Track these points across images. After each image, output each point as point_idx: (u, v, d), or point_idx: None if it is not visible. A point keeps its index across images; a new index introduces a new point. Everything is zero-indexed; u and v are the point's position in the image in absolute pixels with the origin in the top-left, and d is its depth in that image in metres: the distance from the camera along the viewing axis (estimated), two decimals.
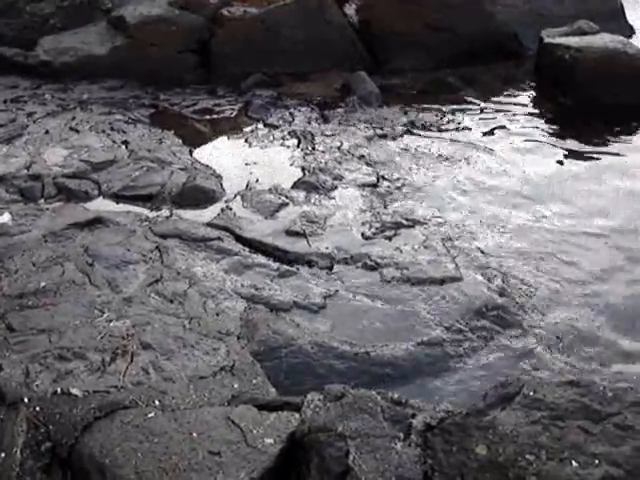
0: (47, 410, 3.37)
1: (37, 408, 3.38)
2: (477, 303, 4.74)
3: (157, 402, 3.45)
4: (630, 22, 10.55)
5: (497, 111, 8.15)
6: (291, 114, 7.90)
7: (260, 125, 7.68)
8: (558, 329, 4.55)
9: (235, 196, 6.10)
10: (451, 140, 7.35)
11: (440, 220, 5.73)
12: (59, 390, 3.59)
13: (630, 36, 9.86)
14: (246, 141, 7.28)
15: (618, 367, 4.24)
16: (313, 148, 7.05)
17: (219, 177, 6.42)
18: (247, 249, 5.28)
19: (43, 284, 4.58)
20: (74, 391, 3.58)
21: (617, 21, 10.36)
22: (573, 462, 2.76)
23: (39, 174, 6.22)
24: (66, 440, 3.21)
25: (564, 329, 4.55)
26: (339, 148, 7.03)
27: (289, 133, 7.43)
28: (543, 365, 4.23)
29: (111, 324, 4.21)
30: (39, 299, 4.43)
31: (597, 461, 2.76)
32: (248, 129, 7.60)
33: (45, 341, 4.02)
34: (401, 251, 5.27)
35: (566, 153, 7.12)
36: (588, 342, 4.44)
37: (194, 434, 3.17)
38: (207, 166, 6.61)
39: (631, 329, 4.57)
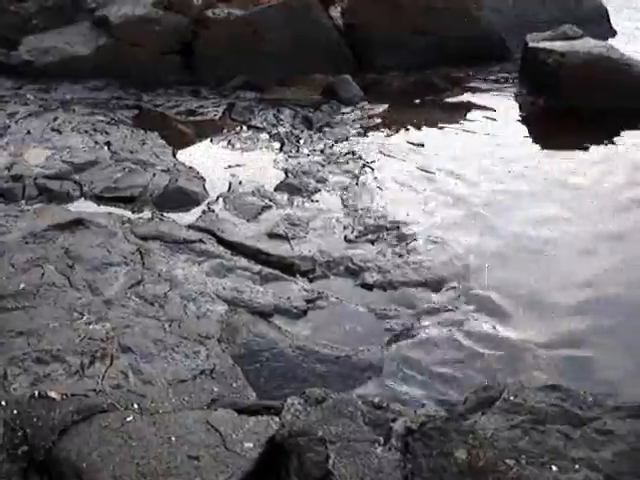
0: (24, 413, 3.32)
1: (14, 411, 3.33)
2: (460, 306, 4.74)
3: (136, 406, 3.41)
4: (614, 27, 10.61)
5: (481, 114, 8.17)
6: (275, 116, 7.88)
7: (244, 127, 7.66)
8: (543, 333, 4.54)
9: (218, 198, 6.07)
10: (435, 142, 7.36)
11: (423, 223, 5.73)
12: (37, 393, 3.54)
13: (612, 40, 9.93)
14: (229, 143, 7.26)
15: (600, 372, 4.24)
16: (297, 150, 7.04)
17: (202, 179, 6.39)
18: (229, 252, 5.26)
19: (22, 286, 4.53)
20: (52, 394, 3.53)
21: (602, 25, 10.43)
22: (553, 467, 2.76)
23: (20, 175, 6.16)
24: (43, 444, 3.17)
25: (548, 333, 4.54)
26: (322, 151, 7.03)
27: (273, 135, 7.41)
28: (525, 370, 4.23)
29: (90, 327, 4.18)
30: (18, 301, 4.39)
31: (577, 466, 2.76)
32: (232, 131, 7.58)
33: (23, 344, 3.99)
34: (384, 255, 5.26)
35: (548, 156, 7.16)
36: (573, 346, 4.44)
37: (173, 438, 3.14)
38: (190, 168, 6.57)
39: (617, 332, 4.58)
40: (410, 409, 3.29)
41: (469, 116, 8.12)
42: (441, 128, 7.75)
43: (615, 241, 5.57)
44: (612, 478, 2.70)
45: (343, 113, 8.00)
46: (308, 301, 4.77)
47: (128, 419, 3.27)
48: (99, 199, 6.01)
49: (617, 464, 2.75)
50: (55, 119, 7.47)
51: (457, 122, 7.93)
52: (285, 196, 6.11)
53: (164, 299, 4.57)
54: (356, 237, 5.50)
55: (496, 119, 8.05)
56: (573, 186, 6.45)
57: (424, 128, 7.72)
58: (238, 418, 3.28)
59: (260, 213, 5.83)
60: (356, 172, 6.60)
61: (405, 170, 6.69)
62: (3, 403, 3.39)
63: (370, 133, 7.51)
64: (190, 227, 5.55)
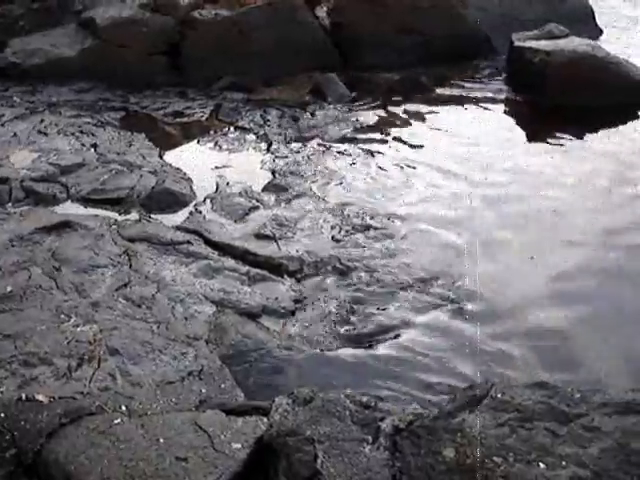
0: (12, 416, 3.33)
1: (2, 414, 3.34)
2: (448, 305, 4.75)
3: (124, 408, 3.42)
4: (600, 25, 10.65)
5: (467, 112, 8.20)
6: (262, 117, 7.87)
7: (231, 128, 7.64)
8: (530, 330, 4.55)
9: (205, 199, 6.07)
10: (423, 140, 7.37)
11: (411, 222, 5.73)
12: (24, 396, 3.55)
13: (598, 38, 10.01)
14: (217, 144, 7.25)
15: (587, 369, 4.25)
16: (284, 151, 7.02)
17: (189, 180, 6.38)
18: (217, 253, 5.25)
19: (9, 289, 4.53)
20: (39, 397, 3.54)
21: (587, 24, 10.46)
22: (541, 464, 2.77)
23: (7, 177, 6.15)
24: (31, 446, 3.18)
25: (535, 330, 4.56)
26: (310, 151, 7.02)
27: (260, 136, 7.40)
28: (512, 367, 4.24)
29: (78, 329, 4.17)
30: (5, 304, 4.38)
31: (564, 462, 2.77)
32: (219, 132, 7.56)
33: (10, 347, 3.98)
34: (371, 254, 5.26)
35: (535, 152, 7.20)
36: (560, 343, 4.46)
37: (161, 440, 3.14)
38: (177, 169, 6.56)
39: (605, 328, 4.60)
40: (398, 408, 3.29)
41: (455, 114, 8.14)
42: (428, 126, 7.77)
43: (602, 236, 5.60)
44: (599, 474, 2.71)
45: (330, 112, 8.00)
46: (296, 301, 4.76)
47: (116, 421, 3.28)
48: (86, 201, 5.99)
49: (604, 460, 2.76)
50: (41, 121, 7.45)
51: (444, 120, 7.95)
52: (272, 196, 6.11)
53: (152, 301, 4.56)
54: (344, 236, 5.50)
55: (483, 117, 8.08)
56: (559, 181, 6.48)
57: (411, 127, 7.73)
58: (226, 419, 3.29)
59: (247, 214, 5.82)
60: (344, 172, 6.60)
61: (393, 168, 6.70)
62: None
63: (357, 132, 7.51)
64: (177, 228, 5.54)
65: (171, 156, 6.94)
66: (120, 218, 5.70)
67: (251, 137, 7.39)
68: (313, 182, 6.37)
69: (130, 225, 5.55)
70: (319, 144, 7.20)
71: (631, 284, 5.04)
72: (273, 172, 6.57)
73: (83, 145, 6.93)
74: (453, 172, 6.64)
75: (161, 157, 6.85)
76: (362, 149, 7.11)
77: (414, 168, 6.71)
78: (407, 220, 5.76)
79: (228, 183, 6.34)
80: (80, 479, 2.97)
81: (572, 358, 4.34)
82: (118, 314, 4.38)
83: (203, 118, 7.96)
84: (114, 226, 5.47)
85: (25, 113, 7.69)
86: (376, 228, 5.60)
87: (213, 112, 8.07)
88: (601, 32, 10.55)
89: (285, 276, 5.06)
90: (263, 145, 7.21)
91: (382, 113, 8.06)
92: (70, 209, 5.84)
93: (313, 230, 5.61)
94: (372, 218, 5.74)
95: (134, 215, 5.78)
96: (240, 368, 4.10)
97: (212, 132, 7.58)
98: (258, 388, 3.97)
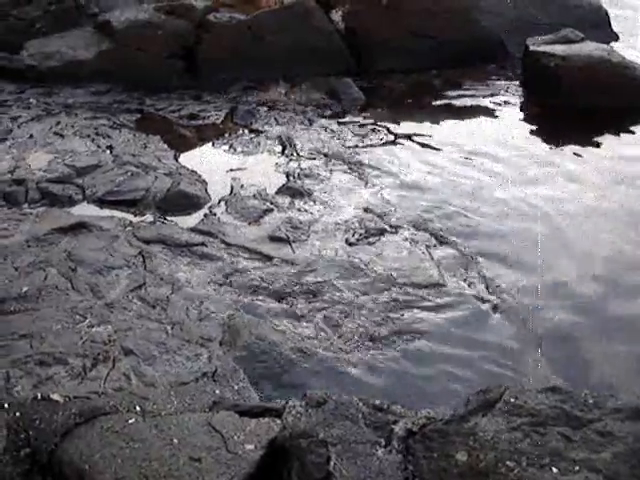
0: (27, 416, 3.35)
1: (17, 414, 3.36)
2: (460, 310, 4.75)
3: (138, 408, 3.43)
4: (615, 30, 10.62)
5: (481, 116, 8.20)
6: (276, 120, 7.89)
7: (245, 131, 7.66)
8: (543, 335, 4.55)
9: (219, 201, 6.09)
10: (437, 143, 7.37)
11: (424, 226, 5.73)
12: (39, 396, 3.58)
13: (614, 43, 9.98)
14: (231, 147, 7.26)
15: (600, 373, 4.25)
16: (298, 154, 7.04)
17: (204, 182, 6.40)
18: (231, 255, 5.27)
19: (25, 289, 4.56)
20: (54, 397, 3.56)
21: (602, 29, 10.43)
22: (553, 468, 2.77)
23: (23, 179, 6.18)
24: (46, 446, 3.19)
25: (549, 334, 4.55)
26: (324, 154, 7.03)
27: (274, 139, 7.41)
28: (526, 371, 4.24)
29: (93, 329, 4.20)
30: (21, 304, 4.41)
31: (577, 467, 2.77)
32: (233, 135, 7.57)
33: (26, 346, 4.01)
34: (385, 257, 5.27)
35: (554, 156, 7.19)
36: (572, 346, 4.45)
37: (175, 440, 3.16)
38: (192, 171, 6.58)
39: (617, 331, 4.60)
40: (411, 411, 3.30)
41: (469, 118, 8.14)
42: (442, 130, 7.77)
43: (614, 238, 5.62)
44: (612, 479, 2.71)
45: (344, 116, 8.02)
46: (309, 303, 4.77)
47: (130, 421, 3.29)
48: (101, 203, 6.01)
49: (617, 465, 2.76)
50: (58, 123, 7.48)
51: (458, 124, 7.97)
52: (287, 199, 6.12)
53: (166, 302, 4.59)
54: (357, 240, 5.51)
55: (497, 121, 8.08)
56: (573, 185, 6.53)
57: (425, 130, 7.73)
58: (240, 420, 3.30)
59: (262, 216, 5.84)
60: (358, 175, 6.61)
61: (406, 172, 6.70)
62: (6, 406, 3.42)
63: (371, 135, 7.52)
64: (192, 230, 5.57)
65: (186, 158, 6.96)
66: (135, 220, 5.73)
67: (265, 140, 7.40)
68: (327, 185, 6.38)
69: (145, 227, 5.58)
70: (333, 147, 7.20)
71: None
72: (287, 175, 6.58)
73: (99, 147, 6.97)
74: (468, 175, 6.65)
75: (176, 159, 6.87)
76: (376, 153, 7.12)
77: (429, 171, 6.72)
78: (422, 224, 5.76)
79: (242, 185, 6.36)
80: (94, 478, 2.99)
81: (584, 363, 4.34)
82: (133, 315, 4.41)
83: (218, 121, 7.97)
84: (129, 227, 5.51)
85: (41, 115, 7.72)
86: (390, 232, 5.61)
87: (228, 115, 8.08)
88: (617, 37, 10.51)
89: (299, 278, 5.06)
90: (277, 148, 7.22)
91: (396, 117, 8.06)
92: (86, 210, 5.87)
93: (327, 233, 5.62)
94: (386, 222, 5.75)
95: (149, 217, 5.81)
96: (253, 370, 4.11)
97: (227, 135, 7.59)
98: (271, 390, 3.99)
